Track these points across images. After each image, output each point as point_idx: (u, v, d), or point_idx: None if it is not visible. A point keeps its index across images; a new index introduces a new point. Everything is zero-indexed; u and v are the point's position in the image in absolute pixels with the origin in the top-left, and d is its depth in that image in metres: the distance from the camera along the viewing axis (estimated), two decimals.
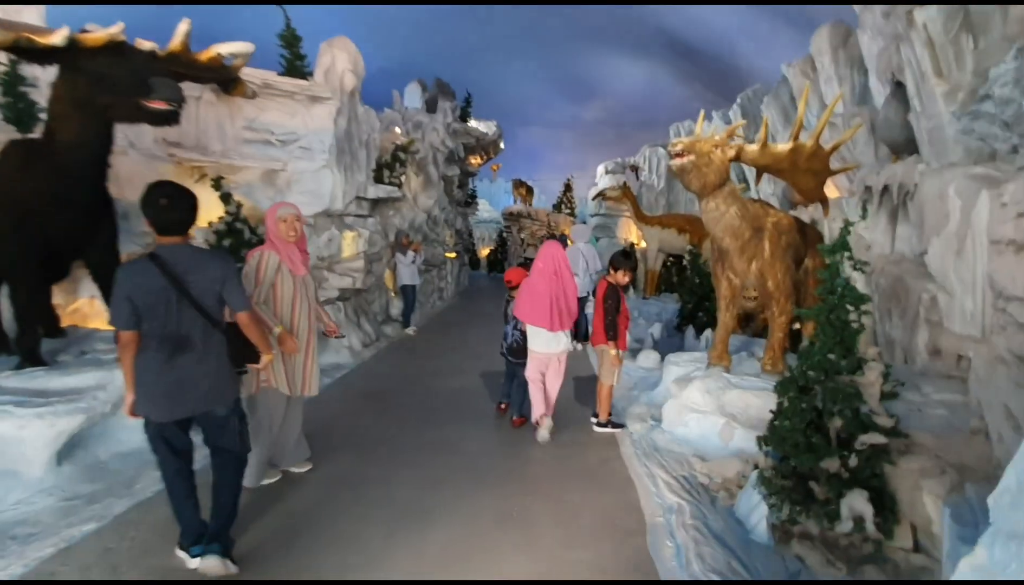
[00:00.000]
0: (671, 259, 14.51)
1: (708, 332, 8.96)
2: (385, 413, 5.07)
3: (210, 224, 5.90)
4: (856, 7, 6.76)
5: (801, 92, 9.01)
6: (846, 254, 3.12)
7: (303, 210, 6.90)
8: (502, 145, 15.92)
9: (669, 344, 9.78)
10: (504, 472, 3.94)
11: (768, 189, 10.94)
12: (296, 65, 7.25)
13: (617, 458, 4.31)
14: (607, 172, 16.48)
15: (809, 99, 8.18)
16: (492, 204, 34.11)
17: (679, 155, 3.98)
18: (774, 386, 3.44)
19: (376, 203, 8.78)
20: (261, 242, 4.22)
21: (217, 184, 5.86)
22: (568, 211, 24.51)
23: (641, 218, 13.61)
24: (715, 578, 2.64)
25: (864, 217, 5.79)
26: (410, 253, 8.91)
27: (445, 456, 4.16)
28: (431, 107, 12.37)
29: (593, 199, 14.74)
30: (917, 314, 5.26)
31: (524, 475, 3.96)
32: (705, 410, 4.41)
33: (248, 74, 5.86)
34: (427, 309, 11.63)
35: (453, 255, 13.68)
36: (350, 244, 7.47)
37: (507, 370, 5.10)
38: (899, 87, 5.73)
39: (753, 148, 4.09)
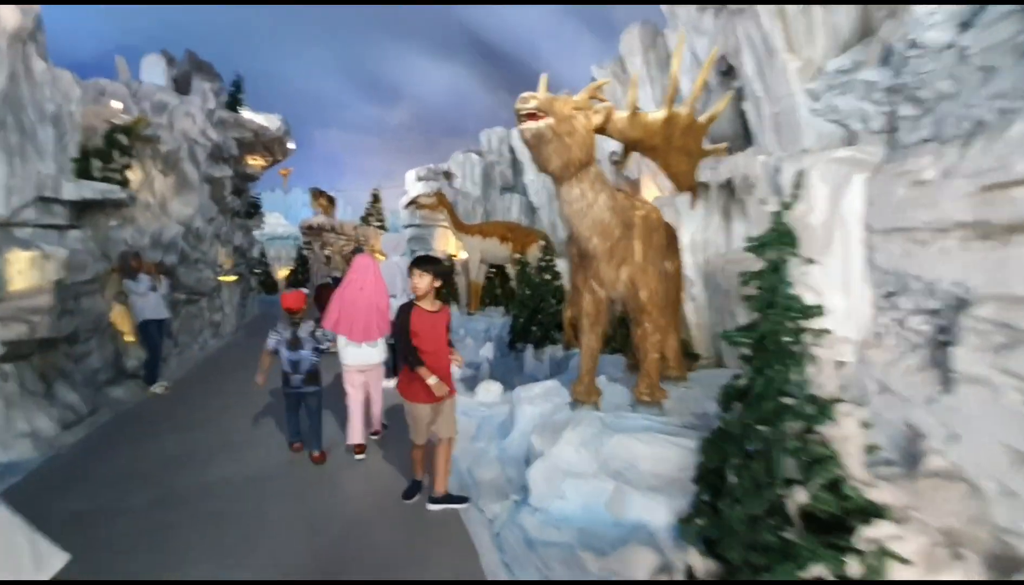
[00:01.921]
0: (494, 270, 13.74)
1: (550, 349, 8.14)
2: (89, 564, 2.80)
3: None
4: (664, 7, 6.51)
5: (613, 93, 8.80)
6: (788, 250, 2.17)
7: None
8: (291, 145, 13.36)
9: (505, 365, 8.74)
10: None
11: None
12: None
13: (474, 565, 2.87)
14: (419, 179, 15.10)
15: (619, 103, 7.93)
16: (288, 218, 30.11)
17: (531, 116, 2.73)
18: (700, 446, 2.37)
19: (84, 208, 5.94)
20: None
21: None
22: (378, 223, 22.47)
23: (460, 227, 12.52)
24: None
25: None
26: (143, 279, 6.23)
27: None
28: (182, 88, 9.45)
29: (406, 208, 13.21)
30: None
31: None
32: (584, 471, 3.22)
33: None
34: (192, 353, 8.72)
35: (231, 278, 10.78)
36: (26, 270, 4.69)
37: (289, 404, 4.47)
38: (725, 76, 5.44)
39: (622, 115, 3.04)
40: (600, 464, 3.24)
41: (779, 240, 2.17)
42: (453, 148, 16.24)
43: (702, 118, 3.28)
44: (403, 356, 3.35)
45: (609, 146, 6.67)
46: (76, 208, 5.77)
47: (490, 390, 5.73)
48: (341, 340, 4.36)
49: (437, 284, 3.44)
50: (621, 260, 3.43)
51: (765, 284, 2.17)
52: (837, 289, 3.69)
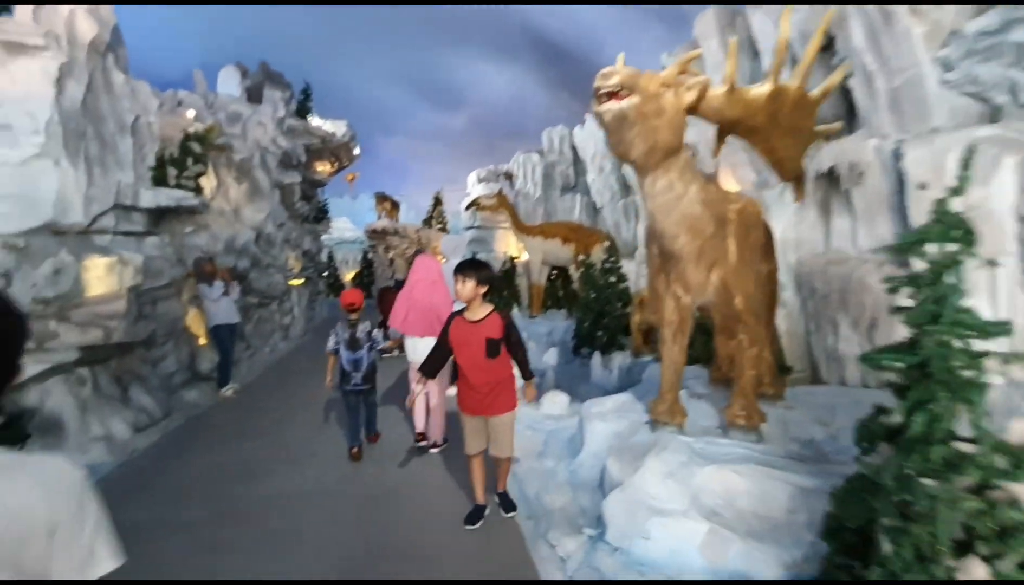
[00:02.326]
0: (555, 272, 13.36)
1: (618, 356, 7.66)
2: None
3: None
4: None
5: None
6: (962, 248, 1.66)
7: (3, 224, 4.25)
8: (357, 150, 13.62)
9: (569, 372, 8.33)
10: None
11: None
12: None
13: None
14: (480, 181, 14.99)
15: None
16: (355, 222, 31.08)
17: (613, 95, 2.34)
18: (832, 495, 1.90)
19: (161, 215, 6.14)
20: None
21: None
22: (440, 226, 22.68)
23: (520, 228, 12.24)
24: None
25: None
26: (217, 284, 6.36)
27: None
28: (255, 97, 9.77)
29: (467, 210, 13.08)
30: (876, 322, 4.21)
31: None
32: (671, 508, 2.78)
33: None
34: (263, 356, 8.94)
35: (299, 281, 11.05)
36: (104, 276, 4.83)
37: (349, 404, 4.52)
38: (824, 51, 4.79)
39: (718, 92, 2.59)
40: (690, 499, 2.79)
41: (946, 235, 1.67)
42: (514, 150, 16.04)
43: (814, 92, 2.76)
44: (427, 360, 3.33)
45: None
46: (153, 215, 5.96)
47: (556, 401, 5.36)
48: (409, 340, 4.49)
49: (482, 290, 3.14)
50: (712, 261, 2.97)
51: (927, 292, 1.67)
52: (985, 294, 3.04)
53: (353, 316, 4.50)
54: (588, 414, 4.09)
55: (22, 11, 4.26)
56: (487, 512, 3.37)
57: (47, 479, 0.87)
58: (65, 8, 4.56)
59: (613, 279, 9.58)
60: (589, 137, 13.42)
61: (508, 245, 15.53)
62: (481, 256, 15.54)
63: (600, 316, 8.83)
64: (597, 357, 7.25)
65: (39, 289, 4.31)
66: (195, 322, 6.85)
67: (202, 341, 6.86)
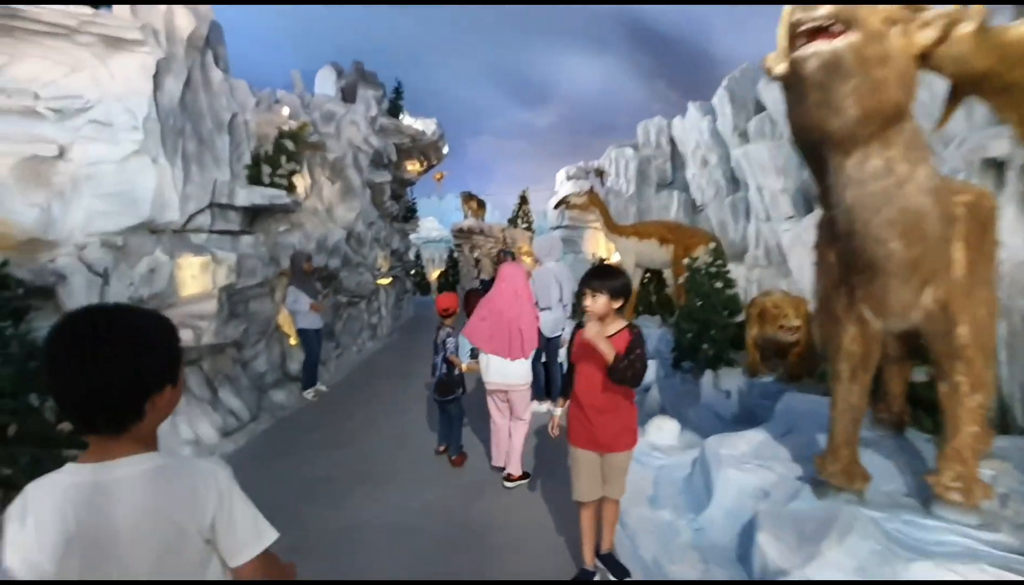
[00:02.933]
0: (647, 275, 12.40)
1: (729, 374, 6.70)
2: None
3: None
4: None
5: None
6: None
7: (103, 222, 4.22)
8: (445, 149, 13.47)
9: (670, 388, 7.45)
10: None
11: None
12: None
13: None
14: (568, 178, 14.32)
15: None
16: (441, 222, 31.58)
17: (823, 33, 1.61)
18: None
19: (256, 214, 6.10)
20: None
21: None
22: (525, 226, 22.28)
23: (613, 228, 11.42)
24: None
25: None
26: (303, 298, 6.25)
27: None
28: (349, 97, 9.79)
29: (555, 208, 12.47)
30: None
31: None
32: None
33: None
34: (351, 356, 8.89)
35: (387, 281, 11.02)
36: (198, 275, 4.76)
37: (439, 406, 4.47)
38: None
39: (966, 30, 1.76)
40: None
41: None
42: (602, 147, 15.22)
43: None
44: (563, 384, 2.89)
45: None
46: (248, 214, 5.92)
47: (665, 429, 4.60)
48: (484, 356, 4.02)
49: (616, 304, 2.51)
50: (929, 275, 2.12)
51: None
52: None
53: (447, 321, 4.50)
54: (715, 456, 3.33)
55: (120, 8, 4.22)
56: (596, 578, 2.74)
57: (196, 483, 0.98)
58: (163, 4, 4.50)
59: (719, 284, 8.57)
60: (691, 128, 12.30)
61: (597, 245, 14.75)
62: (567, 257, 14.87)
63: (706, 327, 7.88)
64: (708, 376, 6.34)
65: (135, 288, 4.26)
66: (286, 322, 6.81)
67: (292, 341, 6.81)
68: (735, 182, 10.83)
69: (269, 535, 1.05)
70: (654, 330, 10.60)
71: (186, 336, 4.47)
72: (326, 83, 9.70)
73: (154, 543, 0.91)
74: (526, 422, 4.06)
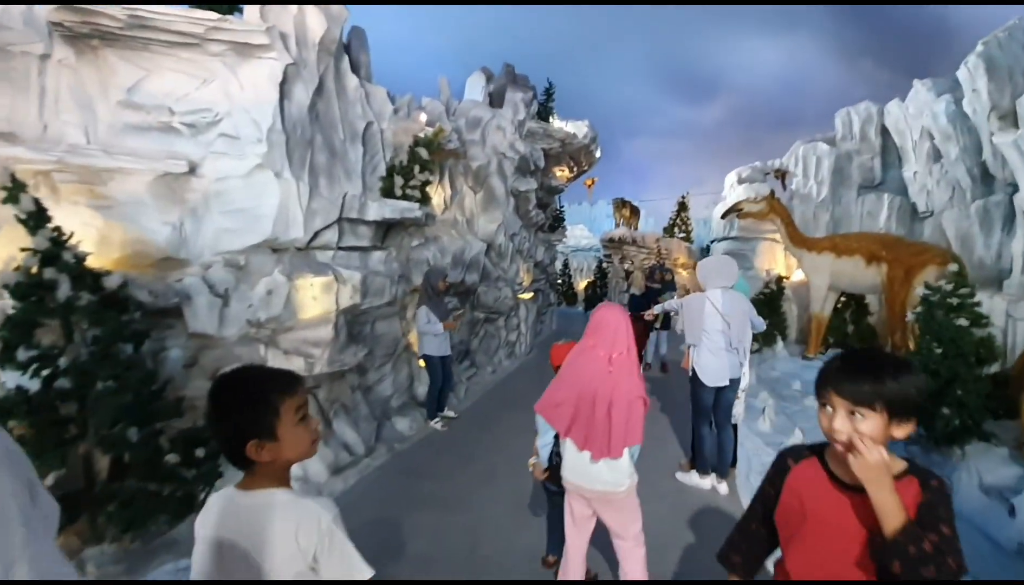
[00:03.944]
0: (842, 299, 9.94)
1: (999, 462, 4.61)
2: None
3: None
4: None
5: None
6: None
7: (229, 240, 4.03)
8: (597, 153, 12.43)
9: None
10: None
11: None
12: None
13: None
14: (741, 182, 12.27)
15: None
16: (592, 230, 30.52)
17: None
18: None
19: (388, 228, 5.73)
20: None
21: (14, 195, 3.07)
22: (683, 235, 20.22)
23: (800, 241, 9.33)
24: None
25: None
26: (434, 320, 5.68)
27: None
28: (497, 101, 9.30)
29: (723, 218, 10.67)
30: None
31: None
32: None
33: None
34: (484, 377, 8.32)
35: (528, 296, 10.33)
36: (320, 296, 4.41)
37: (548, 498, 3.06)
38: None
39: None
40: None
41: None
42: (783, 144, 12.84)
43: None
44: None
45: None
46: (380, 228, 5.57)
47: None
48: (565, 443, 2.59)
49: (904, 431, 1.25)
50: None
51: None
52: None
53: None
54: None
55: (250, 12, 3.98)
56: None
57: (300, 520, 1.19)
58: (294, 6, 4.21)
59: (962, 321, 6.27)
60: (917, 112, 9.57)
61: (773, 261, 12.46)
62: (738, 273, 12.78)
63: (949, 382, 5.73)
64: (972, 469, 4.39)
65: (254, 310, 4.00)
66: (417, 340, 6.41)
67: (422, 363, 6.38)
68: (986, 178, 8.04)
69: (362, 573, 1.22)
70: None
71: (297, 364, 4.11)
72: (475, 89, 9.34)
73: (271, 559, 1.16)
74: (640, 544, 2.61)
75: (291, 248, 4.39)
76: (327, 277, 4.47)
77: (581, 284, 24.22)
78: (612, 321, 2.54)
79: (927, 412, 5.80)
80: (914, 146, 9.98)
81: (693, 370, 4.25)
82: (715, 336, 4.07)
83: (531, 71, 10.49)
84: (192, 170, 3.94)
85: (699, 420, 4.36)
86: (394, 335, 5.77)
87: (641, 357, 11.88)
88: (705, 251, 20.20)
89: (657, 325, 9.43)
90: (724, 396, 4.22)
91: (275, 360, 4.04)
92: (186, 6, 3.80)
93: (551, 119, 10.67)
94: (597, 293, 19.92)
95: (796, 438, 4.75)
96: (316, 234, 4.55)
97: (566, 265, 24.12)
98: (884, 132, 10.95)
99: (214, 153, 4.02)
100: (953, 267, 7.04)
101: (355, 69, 5.30)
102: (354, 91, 5.10)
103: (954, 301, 6.44)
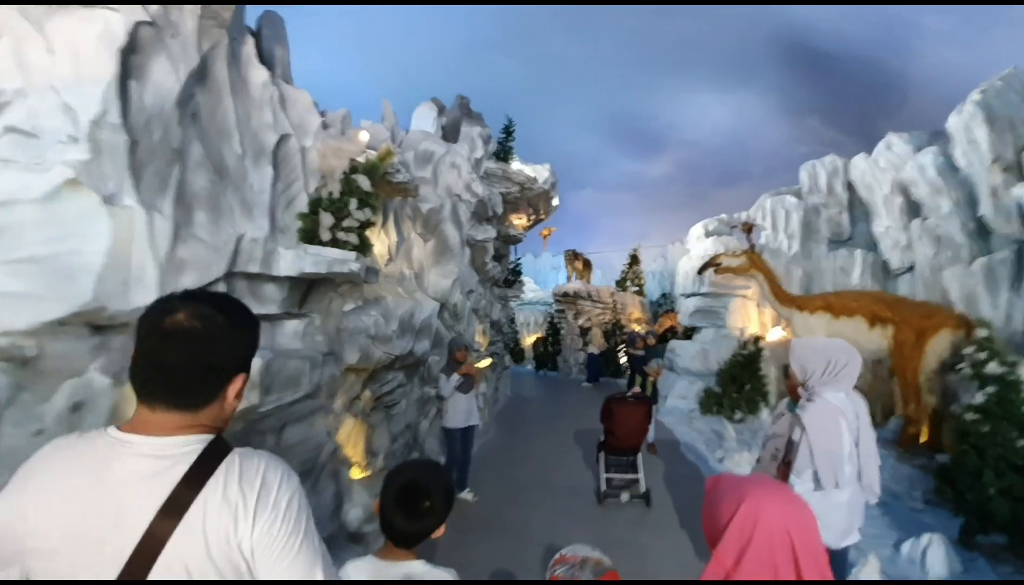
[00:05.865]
0: None
1: None
2: None
3: None
4: None
5: None
6: None
7: (13, 313, 2.24)
8: (555, 201, 11.33)
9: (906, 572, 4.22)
10: None
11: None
12: None
13: None
14: (708, 234, 11.53)
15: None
16: (538, 282, 29.55)
17: None
18: None
19: (310, 288, 4.03)
20: None
21: None
22: (635, 288, 19.51)
23: (788, 300, 8.43)
24: None
25: None
26: (454, 377, 5.65)
27: None
28: (450, 136, 7.96)
29: (700, 272, 9.71)
30: None
31: None
32: None
33: None
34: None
35: (486, 363, 8.71)
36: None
37: None
38: None
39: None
40: None
41: None
42: (725, 200, 12.46)
43: None
44: None
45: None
46: (297, 287, 3.87)
47: None
48: None
49: None
50: None
51: None
52: None
53: None
54: None
55: None
56: None
57: None
58: None
59: (991, 394, 5.43)
60: (889, 166, 9.19)
61: (747, 318, 11.63)
62: (705, 332, 11.83)
63: (1000, 475, 4.71)
64: None
65: (48, 434, 2.15)
66: (353, 442, 4.60)
67: (359, 474, 4.55)
68: (983, 235, 7.51)
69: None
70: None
71: None
72: (425, 120, 7.96)
73: None
74: None
75: (132, 324, 2.59)
76: None
77: (528, 339, 22.80)
78: (774, 529, 1.26)
79: (985, 514, 4.68)
80: (884, 200, 9.59)
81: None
82: (845, 468, 2.65)
83: (482, 110, 9.32)
84: None
85: None
86: (316, 442, 3.95)
87: (629, 386, 10.51)
88: (659, 305, 19.51)
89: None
90: (840, 562, 2.71)
91: None
92: None
93: (510, 161, 9.45)
94: (548, 351, 18.54)
95: None
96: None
97: (512, 320, 22.73)
98: (850, 186, 10.63)
99: None
100: (982, 332, 6.18)
101: (266, 63, 3.74)
102: (261, 89, 3.50)
103: (980, 373, 5.56)
